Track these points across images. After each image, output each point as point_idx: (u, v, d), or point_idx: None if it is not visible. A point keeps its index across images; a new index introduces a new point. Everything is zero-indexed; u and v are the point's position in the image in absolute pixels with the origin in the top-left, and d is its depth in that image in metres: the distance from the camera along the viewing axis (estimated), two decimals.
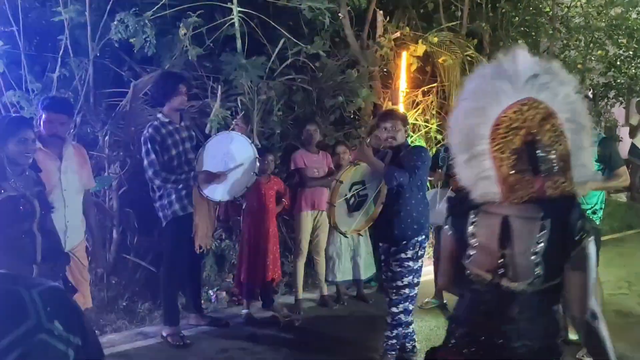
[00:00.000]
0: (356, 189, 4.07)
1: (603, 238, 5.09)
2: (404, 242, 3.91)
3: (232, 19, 5.92)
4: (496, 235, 1.86)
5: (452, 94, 8.00)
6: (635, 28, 10.69)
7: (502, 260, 1.84)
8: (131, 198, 5.69)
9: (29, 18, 5.58)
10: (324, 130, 6.38)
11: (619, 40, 10.78)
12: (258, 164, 4.47)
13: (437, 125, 7.86)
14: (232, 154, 4.43)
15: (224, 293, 5.53)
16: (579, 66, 10.29)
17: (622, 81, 11.45)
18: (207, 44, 5.89)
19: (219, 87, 5.84)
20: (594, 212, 4.26)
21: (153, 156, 4.33)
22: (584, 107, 1.84)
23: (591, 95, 11.57)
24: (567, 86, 1.82)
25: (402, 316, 3.95)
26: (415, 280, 3.96)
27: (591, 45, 10.60)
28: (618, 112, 12.54)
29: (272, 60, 6.10)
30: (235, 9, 5.88)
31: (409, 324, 4.03)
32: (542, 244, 1.79)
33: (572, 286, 1.81)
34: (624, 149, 10.69)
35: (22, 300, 0.97)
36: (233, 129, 4.58)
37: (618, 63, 11.22)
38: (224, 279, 5.75)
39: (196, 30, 5.69)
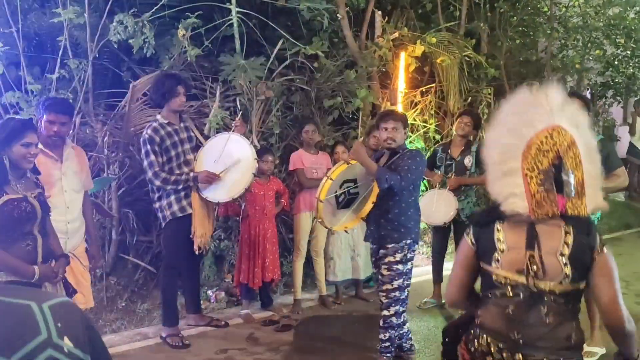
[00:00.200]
0: (347, 187, 4.08)
1: None
2: (392, 244, 3.92)
3: (231, 19, 5.93)
4: (523, 237, 2.00)
5: (450, 94, 8.02)
6: (633, 28, 10.71)
7: (531, 260, 1.97)
8: (130, 198, 5.71)
9: (28, 19, 5.60)
10: (323, 130, 6.39)
11: (617, 40, 10.79)
12: (257, 165, 4.48)
13: (436, 125, 7.88)
14: (231, 155, 4.44)
15: (223, 293, 5.55)
16: (577, 66, 10.30)
17: (620, 81, 11.47)
18: (205, 44, 5.91)
19: (218, 87, 5.86)
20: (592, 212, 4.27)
21: (153, 157, 4.34)
22: (596, 144, 2.06)
23: (589, 95, 11.61)
24: (585, 124, 2.05)
25: (393, 319, 3.97)
26: (406, 283, 3.98)
27: (589, 45, 10.61)
28: (616, 111, 12.57)
29: (270, 60, 6.11)
30: (234, 9, 5.89)
31: (401, 325, 4.06)
32: (568, 246, 1.96)
33: (603, 296, 1.97)
34: (622, 148, 10.73)
35: (33, 316, 0.96)
36: (233, 131, 4.58)
37: (616, 63, 11.24)
38: (223, 279, 5.76)
39: (195, 31, 5.70)
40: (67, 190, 3.77)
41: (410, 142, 7.60)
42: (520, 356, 1.97)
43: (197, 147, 4.57)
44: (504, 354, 2.00)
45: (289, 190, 5.48)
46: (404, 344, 4.19)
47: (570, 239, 1.97)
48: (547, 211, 1.96)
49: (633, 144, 10.80)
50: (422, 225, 7.27)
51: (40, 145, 3.21)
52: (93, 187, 4.30)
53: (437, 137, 7.84)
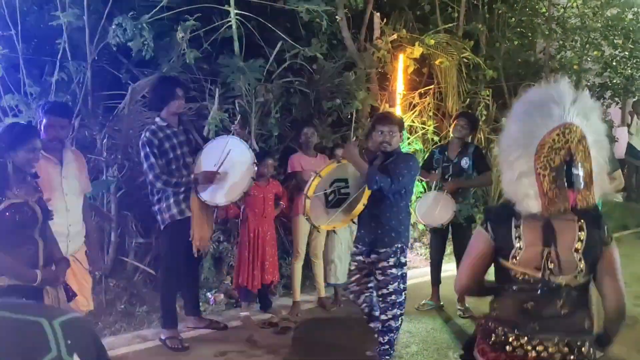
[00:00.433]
0: (337, 186, 4.06)
1: None
2: (384, 249, 3.93)
3: (230, 21, 5.94)
4: (539, 234, 2.07)
5: (448, 96, 8.04)
6: (631, 29, 10.73)
7: (547, 257, 2.04)
8: (129, 201, 5.71)
9: (27, 22, 5.59)
10: (322, 132, 6.40)
11: (615, 41, 10.81)
12: (255, 169, 4.49)
13: (434, 127, 7.89)
14: (230, 159, 4.44)
15: (222, 295, 5.55)
16: (575, 67, 10.33)
17: (618, 82, 11.48)
18: (204, 46, 5.91)
19: (217, 89, 5.86)
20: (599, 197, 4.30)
21: (152, 160, 4.34)
22: (605, 129, 2.11)
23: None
24: (595, 112, 2.09)
25: (391, 322, 3.99)
26: (401, 286, 3.99)
27: (587, 45, 10.63)
28: (614, 112, 12.58)
29: (269, 62, 6.12)
30: (233, 11, 5.89)
31: (400, 328, 4.07)
32: (582, 242, 2.06)
33: (609, 286, 2.11)
34: (620, 149, 10.75)
35: (43, 333, 0.97)
36: (232, 134, 4.58)
37: (614, 63, 11.25)
38: (222, 281, 5.76)
39: (194, 33, 5.71)
40: (67, 193, 3.78)
41: (409, 143, 7.62)
42: (537, 340, 2.06)
43: (196, 150, 4.57)
44: (521, 340, 2.08)
45: (287, 193, 5.48)
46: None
47: (583, 235, 2.06)
48: (559, 207, 2.02)
49: (632, 145, 10.83)
50: (421, 226, 7.32)
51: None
52: (91, 190, 4.31)
53: (436, 138, 7.85)
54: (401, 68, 7.35)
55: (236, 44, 6.00)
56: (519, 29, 10.25)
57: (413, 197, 7.30)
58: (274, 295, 5.69)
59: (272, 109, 6.19)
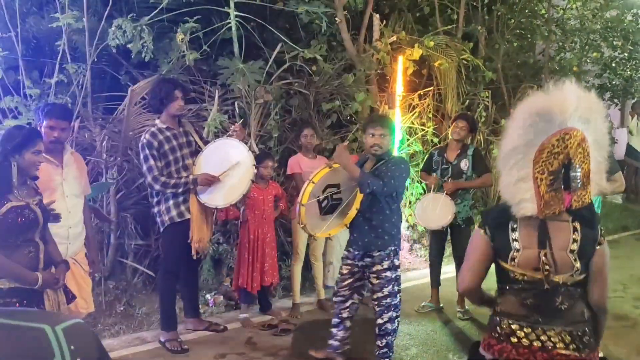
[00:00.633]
0: (330, 192, 4.01)
1: None
2: (378, 252, 3.93)
3: (229, 23, 5.94)
4: (535, 236, 2.14)
5: (448, 97, 8.04)
6: (630, 30, 10.76)
7: (544, 258, 2.11)
8: (129, 202, 5.71)
9: (27, 23, 5.60)
10: (321, 134, 6.40)
11: (614, 43, 10.83)
12: (255, 171, 4.48)
13: (433, 129, 7.89)
14: (230, 161, 4.43)
15: (221, 297, 5.55)
16: (575, 68, 10.32)
17: (618, 83, 11.51)
18: (204, 48, 5.91)
19: (216, 91, 5.86)
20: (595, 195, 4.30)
21: (152, 162, 4.35)
22: (607, 128, 2.15)
23: None
24: (598, 114, 2.12)
25: (388, 325, 3.99)
26: (396, 288, 4.00)
27: (586, 47, 10.64)
28: (613, 113, 12.60)
29: (269, 64, 6.12)
30: (232, 13, 5.90)
31: (397, 331, 4.07)
32: (577, 243, 2.13)
33: (597, 280, 2.18)
34: (619, 150, 10.76)
35: (47, 339, 0.97)
36: (230, 135, 4.58)
37: (613, 65, 11.28)
38: (221, 283, 5.76)
39: (193, 35, 5.71)
40: (68, 195, 3.78)
41: (409, 145, 7.63)
42: (540, 330, 2.15)
43: (196, 152, 4.56)
44: (525, 330, 2.17)
45: (287, 194, 5.48)
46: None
47: (578, 236, 2.13)
48: (554, 210, 2.08)
49: (632, 146, 10.84)
50: (420, 228, 7.32)
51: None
52: (91, 193, 4.31)
53: (435, 140, 7.85)
54: (400, 70, 7.35)
55: (236, 46, 6.01)
56: (518, 31, 10.25)
57: (413, 199, 7.35)
58: (273, 297, 5.69)
59: (271, 110, 6.19)
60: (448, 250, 5.80)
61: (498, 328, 2.23)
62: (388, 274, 3.94)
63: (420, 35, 7.88)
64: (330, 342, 4.25)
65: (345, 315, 4.19)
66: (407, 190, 7.51)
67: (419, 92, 7.92)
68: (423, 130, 7.78)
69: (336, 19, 6.79)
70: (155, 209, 4.53)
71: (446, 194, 5.22)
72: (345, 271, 4.15)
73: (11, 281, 2.82)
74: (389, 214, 3.95)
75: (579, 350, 2.12)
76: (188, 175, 4.42)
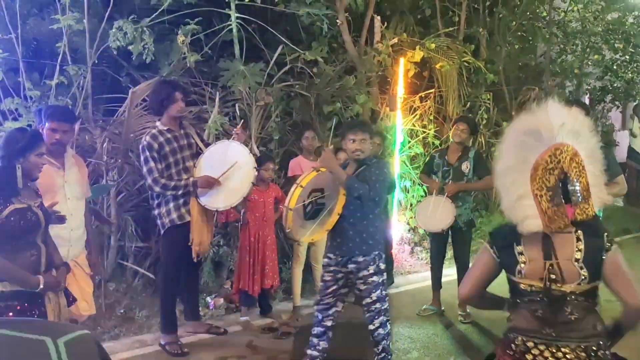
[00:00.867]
0: (314, 197, 3.92)
1: None
2: (363, 258, 3.87)
3: (230, 24, 5.94)
4: (540, 248, 2.17)
5: (449, 99, 8.03)
6: (631, 33, 10.75)
7: (550, 269, 2.14)
8: (129, 205, 5.70)
9: (27, 25, 5.60)
10: (322, 136, 6.39)
11: (616, 45, 10.82)
12: (256, 174, 4.47)
13: (435, 131, 7.89)
14: (230, 163, 4.42)
15: (221, 300, 5.53)
16: (576, 71, 10.33)
17: (619, 85, 11.49)
18: (205, 50, 5.91)
19: (217, 93, 5.85)
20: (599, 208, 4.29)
21: (152, 164, 4.33)
22: (597, 142, 2.21)
23: (588, 100, 11.61)
24: (586, 128, 2.19)
25: (380, 330, 3.94)
26: (384, 293, 3.94)
27: (588, 49, 10.64)
28: (614, 116, 12.58)
29: (270, 66, 6.11)
30: (234, 15, 5.89)
31: (389, 334, 4.02)
32: (581, 252, 2.15)
33: (618, 283, 2.16)
34: (621, 153, 10.74)
35: (47, 352, 0.95)
36: (233, 138, 4.56)
37: (615, 67, 11.27)
38: (221, 285, 5.75)
39: (194, 37, 5.70)
40: (69, 197, 3.77)
41: (410, 147, 7.62)
42: (555, 347, 2.14)
43: (197, 154, 4.55)
44: (540, 347, 2.16)
45: None
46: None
47: (581, 245, 2.15)
48: (559, 225, 2.13)
49: (633, 148, 10.82)
50: (421, 231, 7.30)
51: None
52: (91, 195, 4.30)
53: (436, 142, 7.84)
54: (402, 72, 7.35)
55: (237, 48, 6.00)
56: (519, 33, 10.25)
57: (414, 201, 7.34)
58: (274, 299, 5.67)
59: (272, 112, 6.18)
60: (449, 252, 5.78)
61: (513, 345, 2.22)
62: (375, 278, 3.89)
63: (421, 37, 7.89)
64: (310, 352, 4.11)
65: (329, 324, 4.07)
66: (407, 193, 7.50)
67: (420, 94, 7.92)
68: (424, 132, 7.77)
69: (337, 21, 6.79)
70: (156, 212, 4.51)
71: (447, 196, 5.20)
72: (328, 278, 4.01)
73: (12, 284, 2.80)
74: (372, 218, 3.91)
75: None
76: (188, 177, 4.41)
